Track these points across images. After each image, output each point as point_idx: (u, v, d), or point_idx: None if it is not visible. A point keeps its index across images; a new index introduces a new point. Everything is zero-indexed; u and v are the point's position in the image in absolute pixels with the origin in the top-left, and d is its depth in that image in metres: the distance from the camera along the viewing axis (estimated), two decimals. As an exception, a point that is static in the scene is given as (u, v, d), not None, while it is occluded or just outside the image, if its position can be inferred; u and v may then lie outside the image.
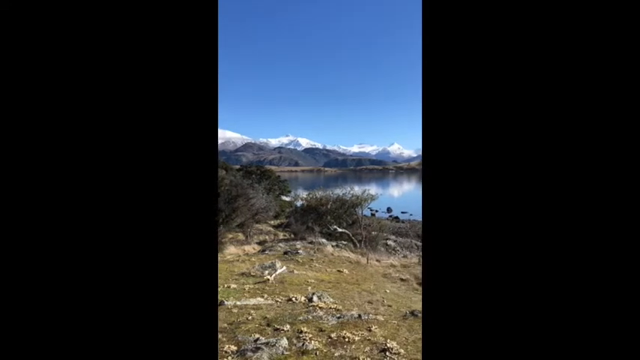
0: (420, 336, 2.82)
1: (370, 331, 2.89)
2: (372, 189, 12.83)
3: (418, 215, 27.79)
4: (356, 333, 2.80)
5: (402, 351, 2.48)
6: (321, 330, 2.89)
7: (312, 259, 6.45)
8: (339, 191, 11.90)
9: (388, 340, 2.65)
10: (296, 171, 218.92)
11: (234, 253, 7.37)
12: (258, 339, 2.64)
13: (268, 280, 4.68)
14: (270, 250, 7.38)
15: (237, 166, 21.16)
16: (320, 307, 3.51)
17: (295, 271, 5.37)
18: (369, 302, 3.99)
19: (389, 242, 11.07)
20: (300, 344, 2.58)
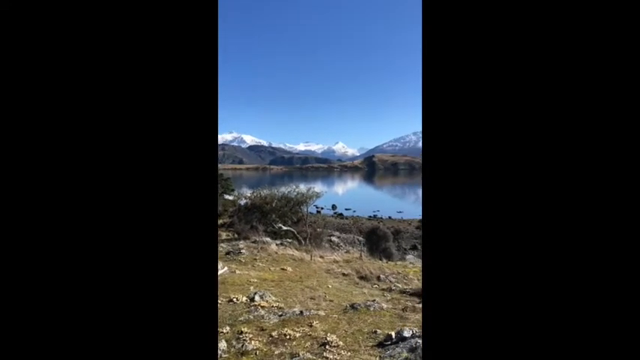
0: (358, 327, 2.94)
1: (311, 326, 2.93)
2: (318, 187, 13.00)
3: (361, 212, 28.88)
4: (297, 329, 2.82)
5: (340, 343, 2.56)
6: (262, 329, 2.86)
7: (255, 259, 6.34)
8: (284, 189, 11.85)
9: (328, 334, 2.71)
10: (240, 169, 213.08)
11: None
12: (194, 344, 2.53)
13: (208, 282, 4.49)
14: (211, 251, 7.09)
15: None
16: (262, 307, 3.46)
17: (237, 272, 5.23)
18: (312, 298, 4.04)
19: (333, 238, 11.33)
20: (240, 345, 2.52)
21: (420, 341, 2.34)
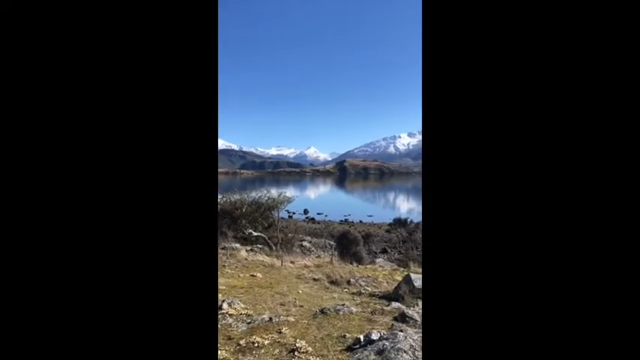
0: (327, 332, 2.95)
1: (280, 333, 2.90)
2: (290, 191, 12.92)
3: (333, 216, 29.03)
4: (266, 337, 2.78)
5: (310, 349, 2.55)
6: (229, 338, 2.79)
7: (224, 266, 6.19)
8: (255, 194, 11.68)
9: (297, 340, 2.69)
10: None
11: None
12: (157, 356, 2.42)
13: (173, 291, 4.33)
14: (177, 259, 6.84)
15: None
16: (230, 314, 3.38)
17: (205, 279, 5.08)
18: (282, 304, 4.00)
19: (304, 243, 11.30)
20: (206, 356, 2.45)
21: (387, 343, 2.39)
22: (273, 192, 11.92)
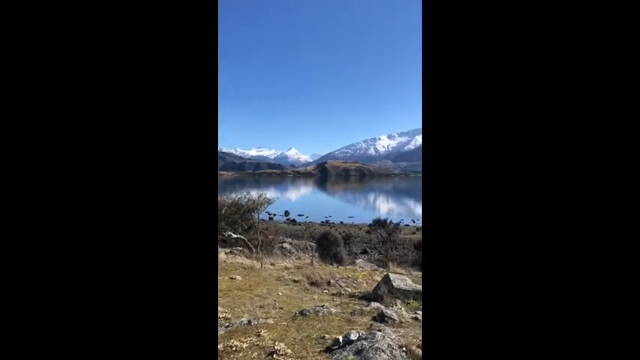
0: (307, 334, 2.94)
1: (259, 335, 2.87)
2: (271, 193, 12.82)
3: (314, 217, 29.06)
4: (244, 340, 2.74)
5: (289, 351, 2.54)
6: (206, 342, 2.74)
7: (202, 269, 6.06)
8: (234, 195, 11.51)
9: (276, 343, 2.68)
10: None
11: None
12: (130, 364, 2.34)
13: (149, 295, 4.20)
14: (153, 262, 6.64)
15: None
16: (207, 319, 3.32)
17: (182, 283, 4.96)
18: (261, 307, 3.96)
19: (285, 245, 11.24)
20: (182, 361, 2.39)
21: (366, 343, 2.41)
22: (254, 193, 11.79)
